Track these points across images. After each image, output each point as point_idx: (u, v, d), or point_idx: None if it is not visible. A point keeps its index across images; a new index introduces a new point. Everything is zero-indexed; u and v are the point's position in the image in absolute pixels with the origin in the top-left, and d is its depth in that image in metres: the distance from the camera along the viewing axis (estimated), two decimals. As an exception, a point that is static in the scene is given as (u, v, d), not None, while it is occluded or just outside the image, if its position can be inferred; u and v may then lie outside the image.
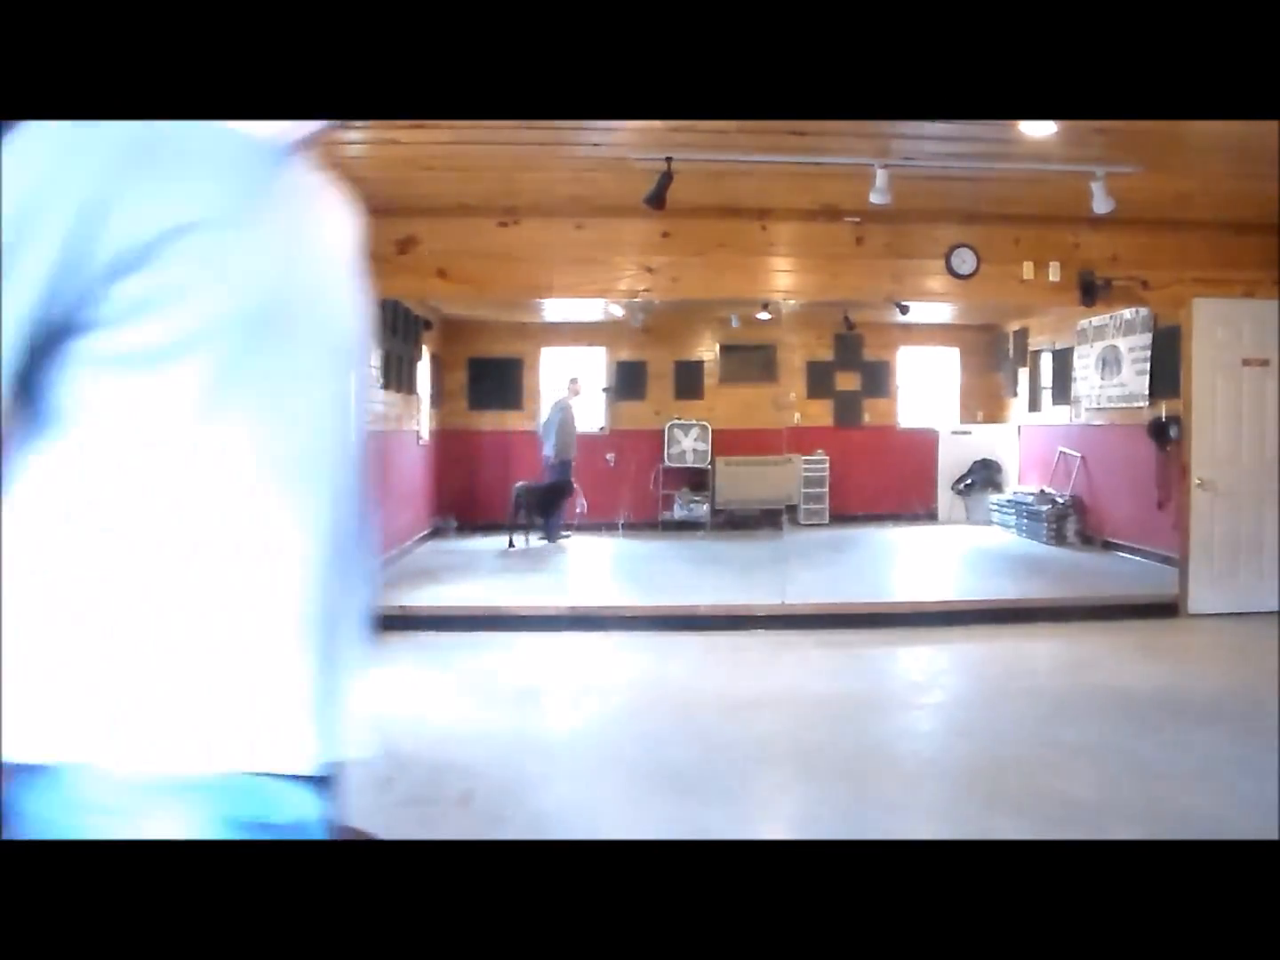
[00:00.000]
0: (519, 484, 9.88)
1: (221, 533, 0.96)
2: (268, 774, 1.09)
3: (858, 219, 6.28)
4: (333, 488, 1.05)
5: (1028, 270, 6.39)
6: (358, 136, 4.81)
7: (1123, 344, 8.81)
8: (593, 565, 9.18)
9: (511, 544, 9.64)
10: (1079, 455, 9.69)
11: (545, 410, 10.47)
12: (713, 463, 11.21)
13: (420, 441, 10.01)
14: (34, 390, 0.95)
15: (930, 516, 11.39)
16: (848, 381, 11.70)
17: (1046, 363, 10.52)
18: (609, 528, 10.57)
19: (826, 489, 11.29)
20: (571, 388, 10.35)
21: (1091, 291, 6.38)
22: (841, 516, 11.25)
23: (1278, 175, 5.04)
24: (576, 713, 4.68)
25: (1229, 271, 6.41)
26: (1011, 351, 11.39)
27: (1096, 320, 9.21)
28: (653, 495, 11.21)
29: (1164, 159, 4.99)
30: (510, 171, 5.40)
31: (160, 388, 0.94)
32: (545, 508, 9.97)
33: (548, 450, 10.04)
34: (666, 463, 11.27)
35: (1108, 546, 9.05)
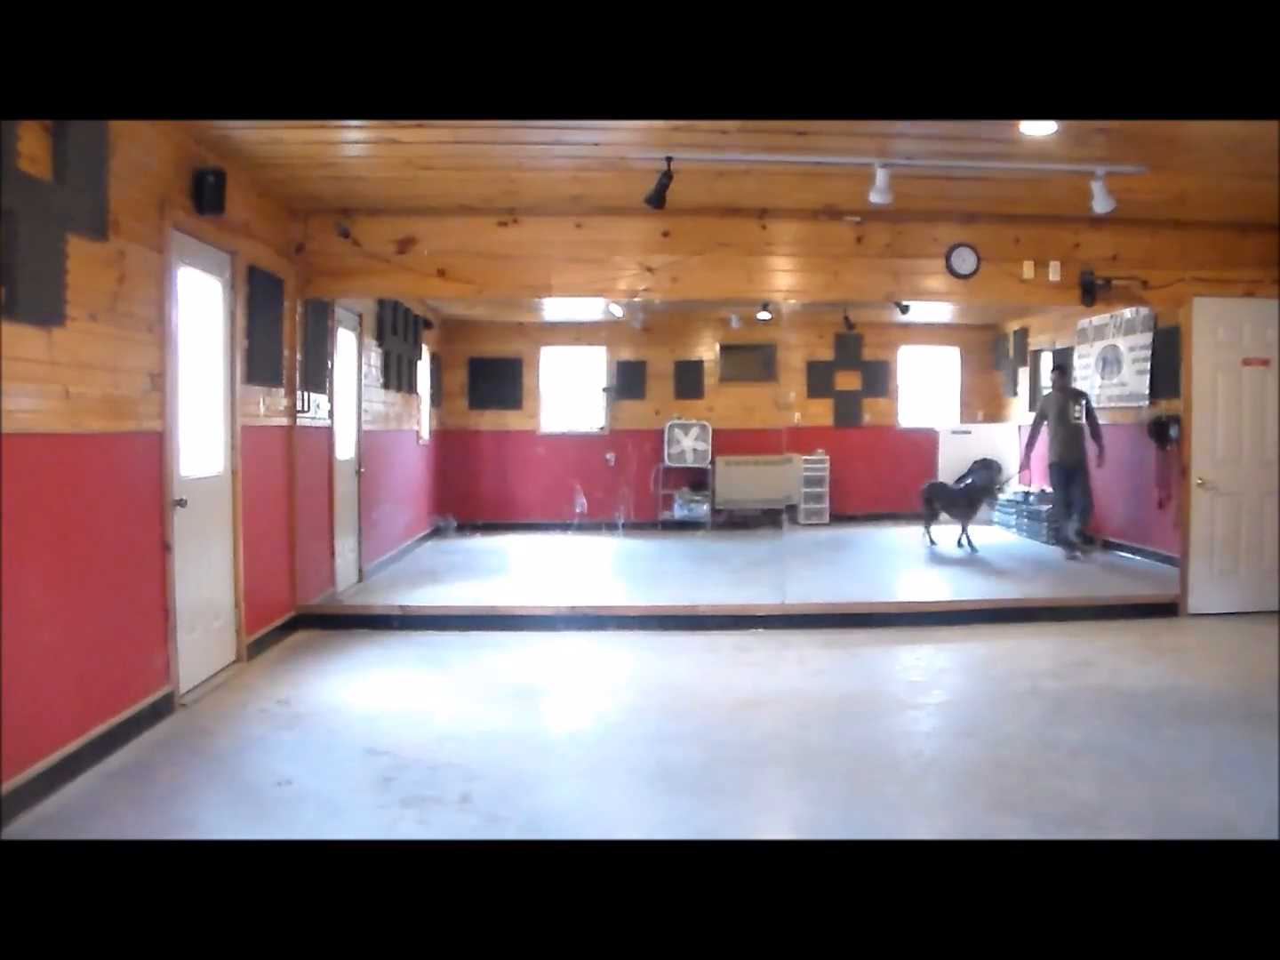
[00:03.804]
0: (928, 482, 9.95)
1: None
2: None
3: (858, 219, 6.28)
4: None
5: (1028, 270, 6.39)
6: (358, 136, 4.81)
7: (1123, 344, 8.80)
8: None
9: (932, 541, 9.54)
10: (1079, 455, 9.66)
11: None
12: (713, 462, 11.22)
13: (420, 441, 10.01)
14: None
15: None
16: (848, 381, 11.70)
17: (1046, 362, 10.51)
18: (609, 527, 10.57)
19: (826, 489, 11.29)
20: (1056, 381, 8.93)
21: (1091, 291, 6.37)
22: (841, 516, 11.25)
23: (1278, 175, 5.04)
24: (576, 712, 4.68)
25: (1229, 271, 6.41)
26: (1011, 351, 11.39)
27: (1097, 320, 9.20)
28: (653, 495, 11.21)
29: (1164, 159, 4.99)
30: (510, 171, 5.40)
31: None
32: (964, 508, 9.42)
33: (1051, 453, 8.79)
34: (666, 462, 11.28)
35: (1108, 546, 9.04)
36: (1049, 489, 9.57)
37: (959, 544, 9.18)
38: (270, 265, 5.73)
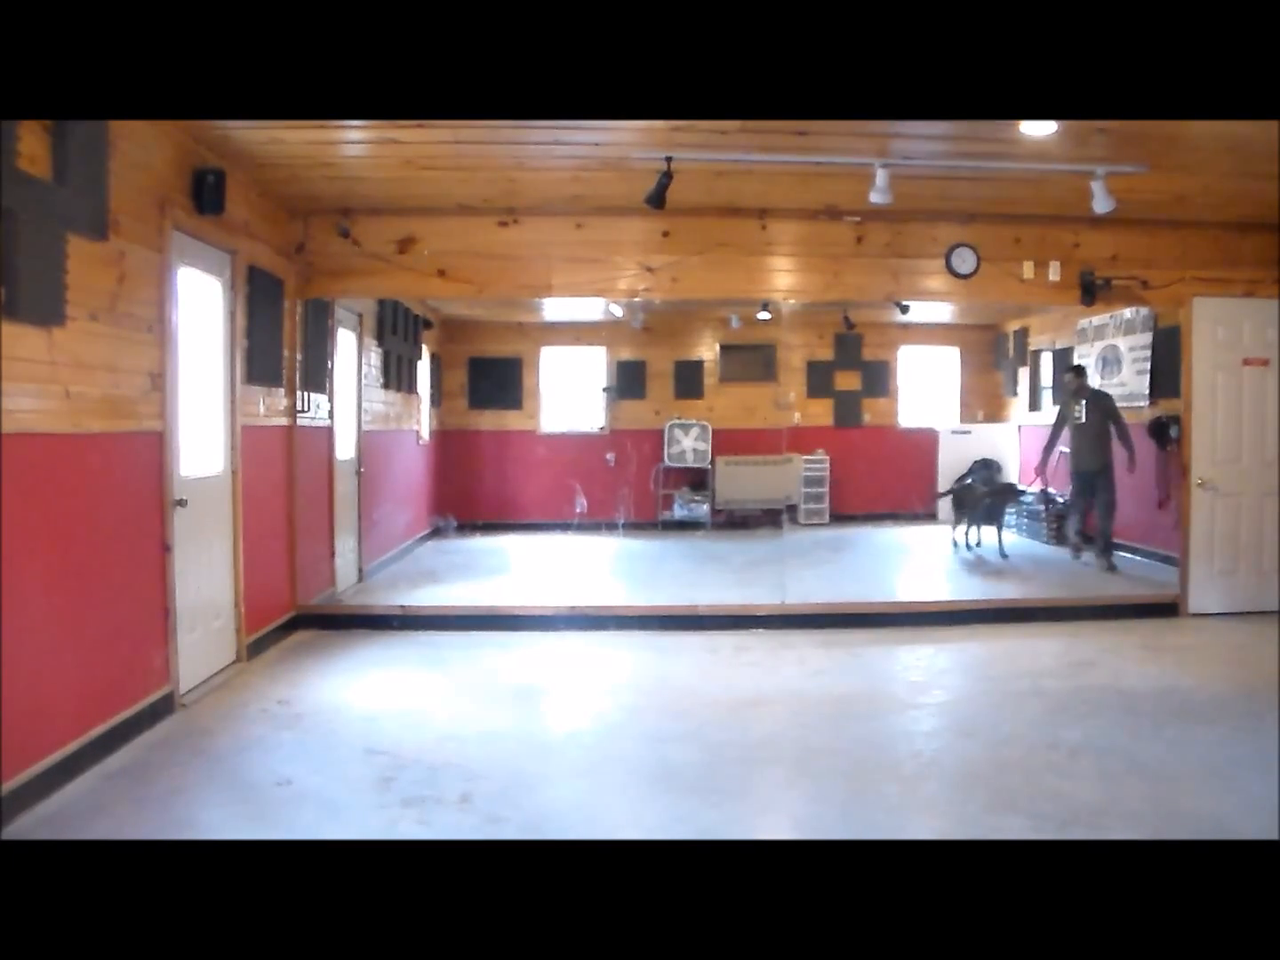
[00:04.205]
0: (959, 483, 9.62)
1: None
2: None
3: (858, 219, 6.28)
4: None
5: (1028, 270, 6.39)
6: (358, 136, 4.81)
7: (1123, 343, 8.80)
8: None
9: (955, 544, 9.22)
10: (1079, 455, 9.64)
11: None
12: (713, 462, 11.22)
13: (420, 441, 10.01)
14: None
15: (930, 516, 11.39)
16: (848, 381, 11.70)
17: (1046, 362, 10.52)
18: (609, 527, 10.57)
19: (826, 489, 11.29)
20: (1070, 383, 8.24)
21: (1091, 291, 6.37)
22: (841, 516, 11.26)
23: (1278, 175, 5.04)
24: (576, 712, 4.68)
25: (1229, 271, 6.41)
26: (1011, 351, 11.39)
27: (1097, 320, 9.20)
28: (653, 495, 11.22)
29: (1164, 159, 4.99)
30: (510, 171, 5.40)
31: None
32: (990, 513, 8.86)
33: (1071, 460, 8.22)
34: (666, 462, 11.28)
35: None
36: (1052, 490, 9.46)
37: (1001, 553, 8.71)
38: (270, 265, 5.73)
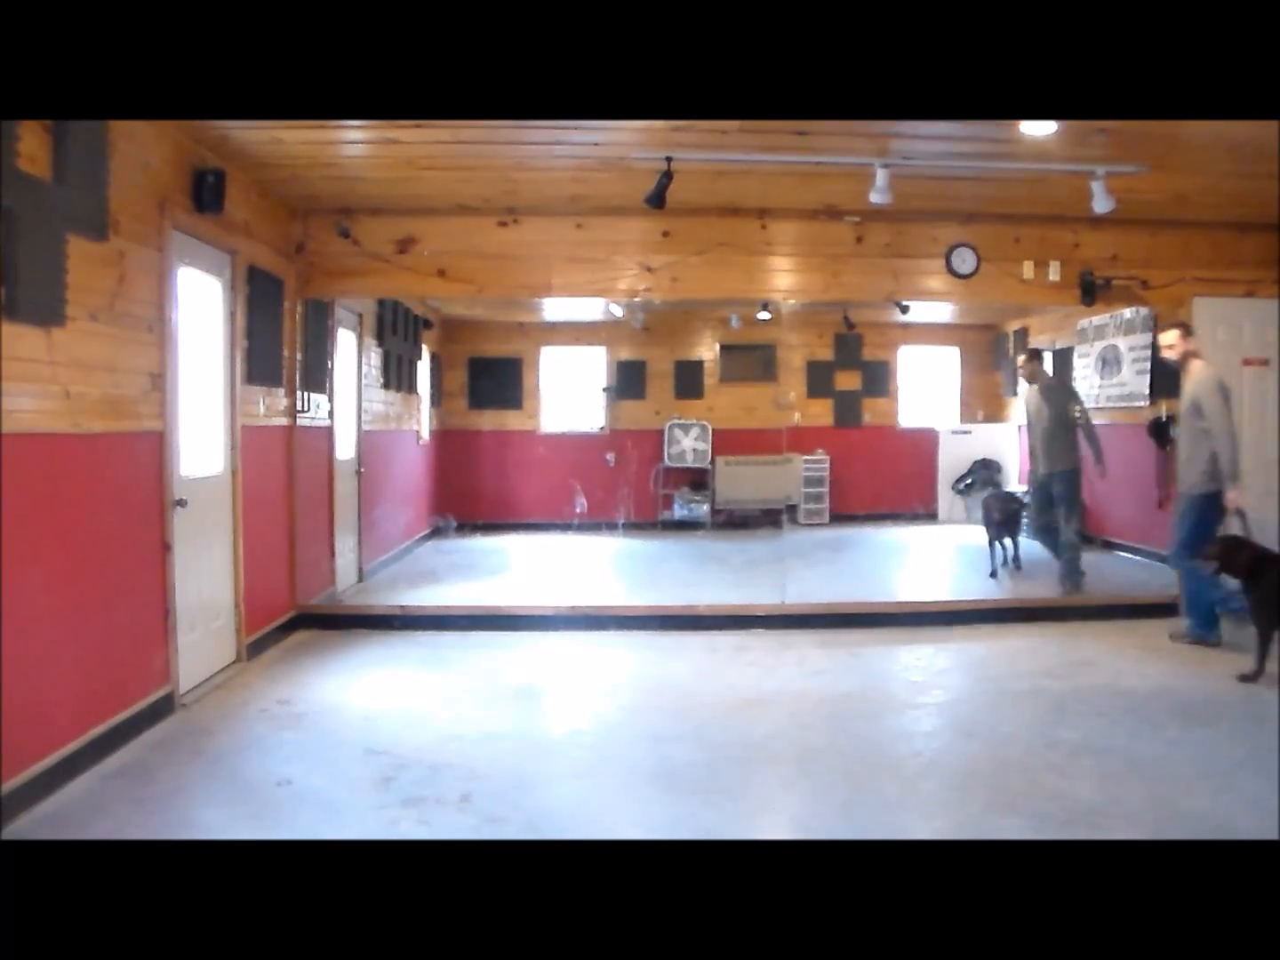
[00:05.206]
0: (989, 492, 8.76)
1: None
2: None
3: (858, 219, 6.28)
4: None
5: (1028, 270, 6.39)
6: (358, 136, 4.81)
7: (1123, 344, 8.80)
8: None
9: (994, 572, 7.76)
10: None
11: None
12: (713, 462, 11.22)
13: (420, 441, 10.01)
14: None
15: (930, 516, 11.39)
16: (848, 381, 11.71)
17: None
18: (609, 527, 10.57)
19: (826, 489, 11.30)
20: (1025, 369, 7.35)
21: (1091, 291, 6.37)
22: (841, 516, 11.25)
23: (1278, 175, 5.04)
24: (576, 712, 4.68)
25: (1229, 271, 6.41)
26: (1011, 351, 11.39)
27: (1097, 320, 9.20)
28: (653, 495, 11.22)
29: (1164, 159, 4.99)
30: (510, 171, 5.40)
31: None
32: (1011, 527, 7.85)
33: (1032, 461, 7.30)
34: (666, 462, 11.28)
35: (1108, 546, 9.04)
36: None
37: (1016, 565, 7.91)
38: (270, 265, 5.73)
